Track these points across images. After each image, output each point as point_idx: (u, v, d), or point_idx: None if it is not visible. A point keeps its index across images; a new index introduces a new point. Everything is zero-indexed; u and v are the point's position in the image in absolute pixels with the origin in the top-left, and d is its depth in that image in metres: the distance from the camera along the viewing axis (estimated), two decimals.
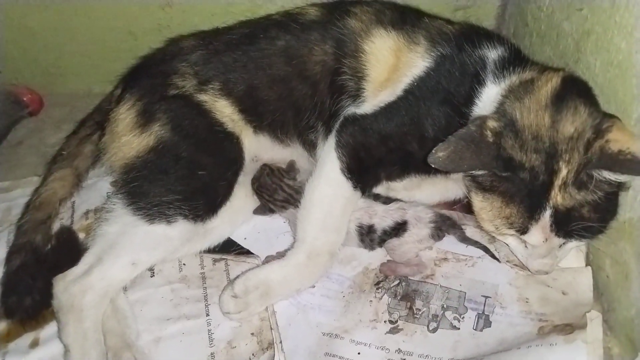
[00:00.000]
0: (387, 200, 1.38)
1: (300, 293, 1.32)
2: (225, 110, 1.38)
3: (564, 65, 1.41)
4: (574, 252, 1.31)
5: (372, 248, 1.37)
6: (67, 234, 1.47)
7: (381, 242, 1.35)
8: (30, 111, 1.89)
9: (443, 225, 1.34)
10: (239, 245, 1.45)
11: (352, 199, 1.32)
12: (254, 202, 1.47)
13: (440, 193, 1.43)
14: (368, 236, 1.35)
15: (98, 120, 1.51)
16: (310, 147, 1.43)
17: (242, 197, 1.44)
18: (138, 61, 1.52)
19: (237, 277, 1.29)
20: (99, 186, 1.56)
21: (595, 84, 1.25)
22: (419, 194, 1.42)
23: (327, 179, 1.31)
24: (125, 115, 1.36)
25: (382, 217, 1.34)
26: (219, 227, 1.41)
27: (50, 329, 1.29)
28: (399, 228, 1.33)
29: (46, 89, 1.95)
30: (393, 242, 1.33)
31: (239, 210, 1.45)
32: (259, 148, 1.43)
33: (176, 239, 1.28)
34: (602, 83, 1.23)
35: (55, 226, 1.49)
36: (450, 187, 1.41)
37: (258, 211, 1.44)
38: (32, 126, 1.89)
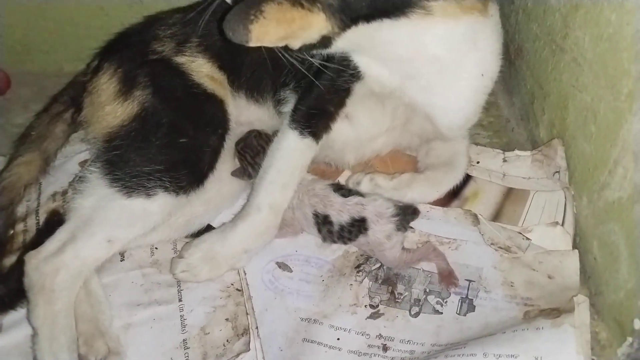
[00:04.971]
0: (347, 193, 1.30)
1: (250, 256, 1.28)
2: (203, 70, 1.33)
3: (550, 42, 1.38)
4: (560, 235, 1.28)
5: (332, 241, 1.30)
6: (58, 216, 1.37)
7: (342, 238, 1.28)
8: None
9: (406, 217, 1.28)
10: (214, 229, 1.38)
11: (299, 148, 1.27)
12: (240, 188, 1.41)
13: (434, 189, 1.38)
14: (325, 227, 1.29)
15: (72, 96, 1.44)
16: (282, 105, 1.37)
17: (229, 183, 1.39)
18: (114, 36, 1.46)
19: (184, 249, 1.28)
20: (67, 167, 1.49)
21: (584, 60, 1.21)
22: (411, 193, 1.36)
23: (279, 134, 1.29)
24: (107, 84, 1.30)
25: (339, 212, 1.27)
26: (203, 215, 1.37)
27: (13, 314, 1.22)
28: (359, 226, 1.26)
29: (13, 67, 1.86)
30: (363, 240, 1.27)
31: (226, 196, 1.40)
32: (238, 109, 1.37)
33: (156, 213, 1.22)
34: (592, 58, 1.19)
35: (21, 209, 1.42)
36: (440, 179, 1.37)
37: (236, 173, 1.38)
38: None
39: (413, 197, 1.35)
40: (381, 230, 1.24)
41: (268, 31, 1.01)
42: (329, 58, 1.19)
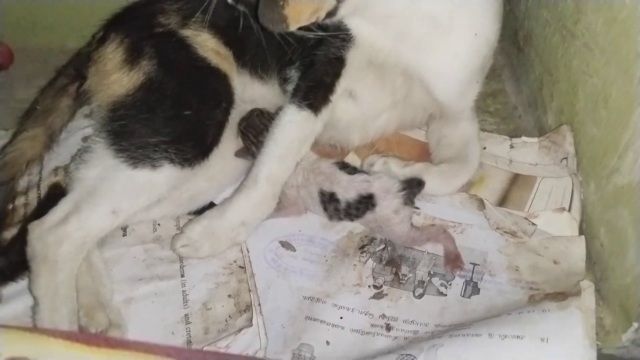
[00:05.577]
0: (352, 171, 1.30)
1: (249, 230, 1.27)
2: (208, 44, 1.31)
3: (561, 28, 1.37)
4: (567, 221, 1.27)
5: (338, 219, 1.30)
6: (59, 189, 1.36)
7: (349, 215, 1.28)
8: (0, 64, 1.79)
9: (413, 189, 1.27)
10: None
11: (295, 120, 1.26)
12: (244, 165, 1.40)
13: (448, 183, 1.36)
14: (331, 204, 1.28)
15: (77, 68, 1.42)
16: (287, 84, 1.36)
17: (233, 160, 1.38)
18: (120, 9, 1.44)
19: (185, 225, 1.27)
20: (70, 142, 1.47)
21: (596, 45, 1.20)
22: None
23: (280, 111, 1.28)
24: (113, 54, 1.29)
25: (345, 188, 1.27)
26: (206, 192, 1.36)
27: (13, 286, 1.21)
28: (367, 202, 1.25)
29: (17, 42, 1.83)
30: (370, 217, 1.26)
31: (230, 173, 1.39)
32: (243, 85, 1.36)
33: (161, 185, 1.21)
34: (604, 43, 1.18)
35: (22, 183, 1.41)
36: (455, 172, 1.36)
37: (239, 153, 1.37)
38: (1, 80, 1.79)
39: (424, 188, 1.33)
40: (389, 205, 1.24)
41: (301, 9, 1.02)
42: (323, 28, 1.19)
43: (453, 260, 1.24)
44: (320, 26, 1.17)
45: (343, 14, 1.13)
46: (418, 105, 1.37)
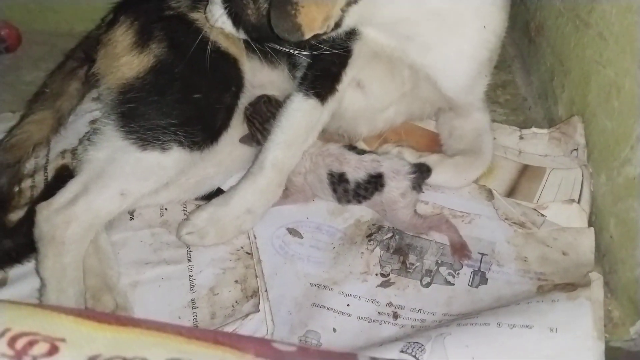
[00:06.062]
0: (361, 152, 1.30)
1: (255, 218, 1.26)
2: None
3: (574, 18, 1.35)
4: (576, 212, 1.26)
5: (347, 201, 1.29)
6: (67, 171, 1.35)
7: (357, 196, 1.27)
8: (7, 46, 1.79)
9: (423, 174, 1.27)
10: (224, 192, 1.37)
11: (302, 108, 1.26)
12: (252, 151, 1.39)
13: (462, 176, 1.34)
14: (340, 185, 1.27)
15: (86, 51, 1.41)
16: (297, 70, 1.35)
17: (240, 146, 1.38)
18: None
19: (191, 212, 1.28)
20: (77, 125, 1.46)
21: (610, 34, 1.19)
22: (436, 176, 1.31)
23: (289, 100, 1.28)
24: (123, 36, 1.28)
25: (355, 168, 1.26)
26: (214, 177, 1.35)
27: (20, 268, 1.21)
28: (376, 182, 1.25)
29: (25, 25, 1.84)
30: (377, 199, 1.26)
31: (237, 159, 1.38)
32: (252, 70, 1.35)
33: (170, 168, 1.20)
34: (618, 32, 1.16)
35: (29, 166, 1.40)
36: (469, 165, 1.34)
37: (244, 140, 1.36)
38: (8, 63, 1.78)
39: (437, 180, 1.32)
40: (397, 186, 1.23)
41: (314, 16, 1.02)
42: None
43: (459, 249, 1.23)
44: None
45: (349, 23, 1.11)
46: (426, 99, 1.36)
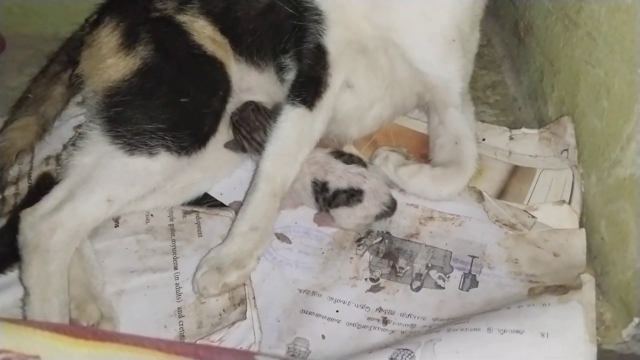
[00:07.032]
0: (349, 160, 1.28)
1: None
2: (204, 31, 1.28)
3: (563, 17, 1.34)
4: (567, 213, 1.25)
5: (326, 210, 1.28)
6: (49, 179, 1.33)
7: (330, 203, 1.26)
8: None
9: (392, 212, 1.27)
10: (212, 198, 1.36)
11: (289, 118, 1.25)
12: (239, 157, 1.38)
13: (438, 189, 1.31)
14: (322, 194, 1.26)
15: (70, 54, 1.39)
16: (284, 73, 1.34)
17: (227, 152, 1.37)
18: None
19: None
20: (61, 131, 1.44)
21: (599, 34, 1.18)
22: (413, 186, 1.31)
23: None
24: (108, 37, 1.26)
25: (339, 177, 1.25)
26: (200, 183, 1.34)
27: (2, 278, 1.18)
28: (353, 195, 1.24)
29: (9, 29, 1.81)
30: (341, 211, 1.25)
31: (224, 165, 1.37)
32: (240, 73, 1.34)
33: (157, 173, 1.18)
34: (607, 32, 1.15)
35: (13, 173, 1.38)
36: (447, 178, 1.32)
37: (229, 145, 1.35)
38: None
39: (414, 190, 1.31)
40: (368, 208, 1.23)
41: None
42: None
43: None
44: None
45: None
46: (404, 85, 1.33)
